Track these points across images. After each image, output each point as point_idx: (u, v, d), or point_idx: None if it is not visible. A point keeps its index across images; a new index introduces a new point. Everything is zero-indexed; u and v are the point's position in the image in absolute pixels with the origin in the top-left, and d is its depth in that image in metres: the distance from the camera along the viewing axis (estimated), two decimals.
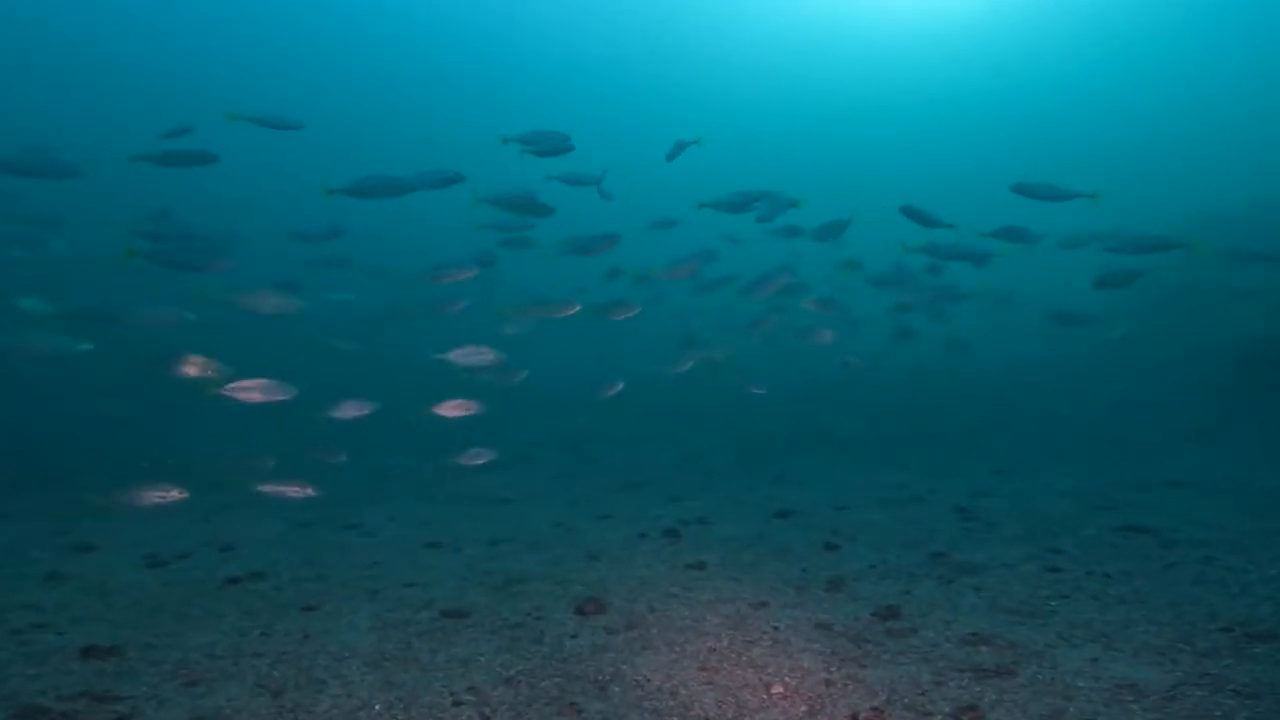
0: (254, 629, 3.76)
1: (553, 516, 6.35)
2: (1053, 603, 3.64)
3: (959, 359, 11.43)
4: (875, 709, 2.60)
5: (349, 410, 6.26)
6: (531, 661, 3.19)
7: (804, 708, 2.65)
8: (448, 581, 4.54)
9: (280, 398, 5.67)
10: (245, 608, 4.13)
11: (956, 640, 3.22)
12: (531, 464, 9.72)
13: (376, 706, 2.78)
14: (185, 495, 5.07)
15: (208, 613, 4.05)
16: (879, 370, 12.98)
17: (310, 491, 5.68)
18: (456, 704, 2.80)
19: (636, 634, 3.46)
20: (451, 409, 6.25)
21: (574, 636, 3.47)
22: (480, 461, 6.68)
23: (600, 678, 2.99)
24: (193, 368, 5.26)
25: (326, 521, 6.69)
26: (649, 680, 2.95)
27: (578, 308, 6.52)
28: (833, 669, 2.98)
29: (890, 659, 3.06)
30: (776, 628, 3.47)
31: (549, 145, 6.72)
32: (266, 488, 5.70)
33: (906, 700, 2.67)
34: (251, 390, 5.59)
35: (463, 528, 6.09)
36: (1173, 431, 9.68)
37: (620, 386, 7.29)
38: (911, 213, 6.56)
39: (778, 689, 2.81)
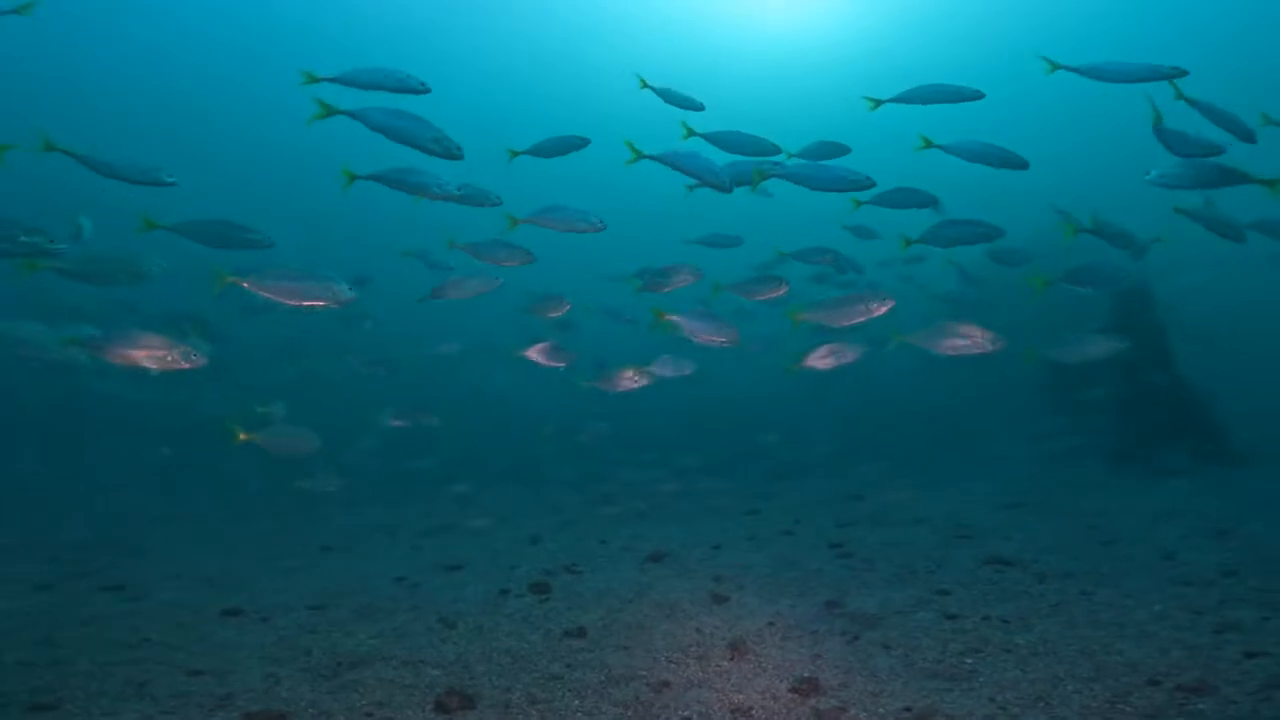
0: None
1: (389, 568, 5.35)
2: (968, 660, 3.38)
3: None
4: None
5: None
6: None
7: None
8: (252, 667, 3.51)
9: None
10: None
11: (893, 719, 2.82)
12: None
13: None
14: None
15: None
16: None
17: None
18: None
19: None
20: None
21: None
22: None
23: None
24: None
25: (77, 579, 5.22)
26: None
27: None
28: None
29: None
30: (689, 718, 2.88)
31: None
32: None
33: None
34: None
35: (271, 586, 4.94)
36: (987, 451, 10.39)
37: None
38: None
39: None
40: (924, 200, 6.00)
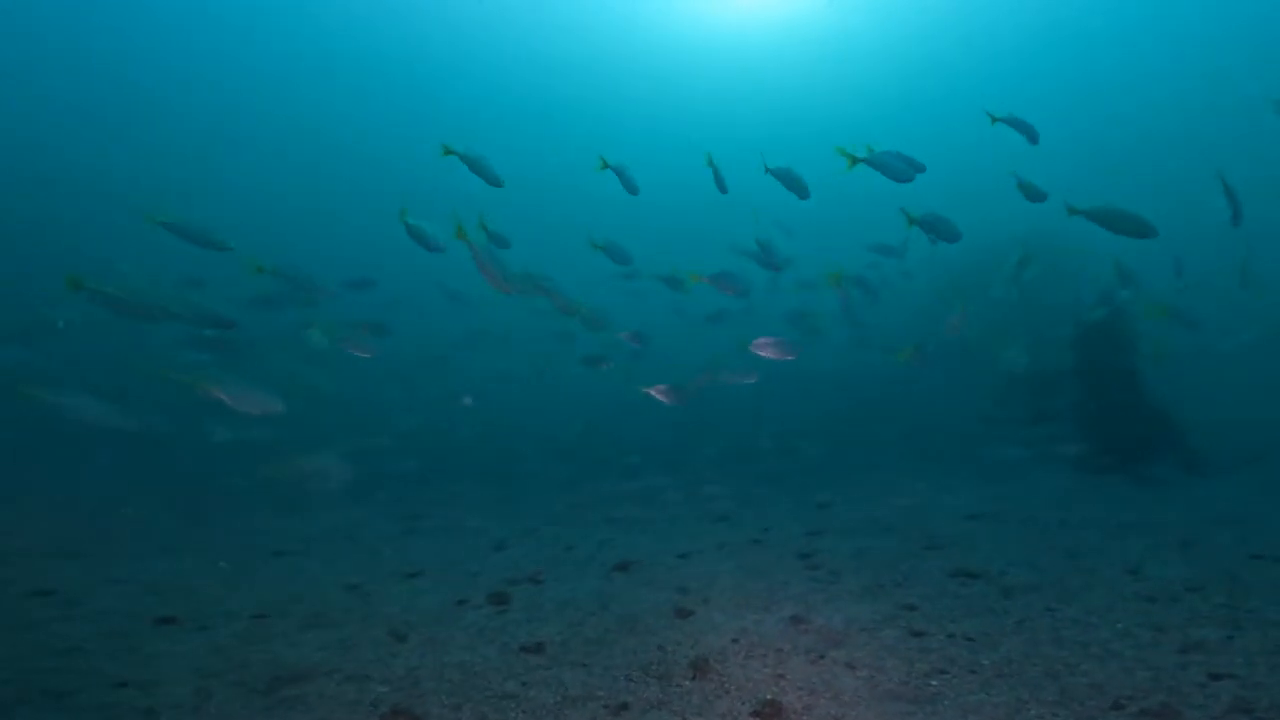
0: None
1: (343, 574, 5.15)
2: (933, 682, 3.30)
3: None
4: None
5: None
6: None
7: None
8: (183, 680, 3.32)
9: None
10: None
11: None
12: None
13: None
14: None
15: None
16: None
17: None
18: None
19: None
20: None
21: None
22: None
23: None
24: None
25: (6, 584, 4.96)
26: None
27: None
28: None
29: None
30: None
31: None
32: None
33: None
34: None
35: (215, 593, 4.71)
36: (962, 458, 10.40)
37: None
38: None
39: None
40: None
